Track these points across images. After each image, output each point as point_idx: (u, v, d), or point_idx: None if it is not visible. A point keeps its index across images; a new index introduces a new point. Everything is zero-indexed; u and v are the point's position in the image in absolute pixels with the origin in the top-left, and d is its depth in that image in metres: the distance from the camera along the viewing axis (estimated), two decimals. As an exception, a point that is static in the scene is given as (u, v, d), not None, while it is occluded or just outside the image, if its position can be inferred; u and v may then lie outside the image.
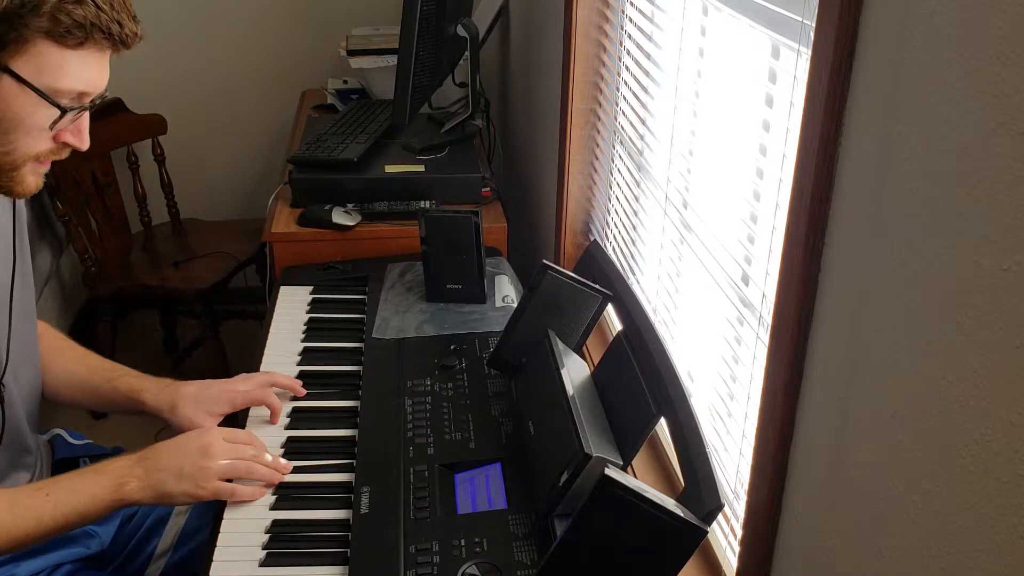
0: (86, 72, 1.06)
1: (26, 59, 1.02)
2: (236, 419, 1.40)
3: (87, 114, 1.11)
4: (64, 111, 1.06)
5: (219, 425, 1.35)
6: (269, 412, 1.40)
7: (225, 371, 2.63)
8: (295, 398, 1.44)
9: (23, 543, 1.16)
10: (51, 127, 1.07)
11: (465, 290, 1.66)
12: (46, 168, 1.13)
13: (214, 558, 1.15)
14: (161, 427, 1.38)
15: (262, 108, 3.14)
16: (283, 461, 1.28)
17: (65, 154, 1.13)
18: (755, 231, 1.10)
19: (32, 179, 1.12)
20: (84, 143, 1.12)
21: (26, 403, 1.31)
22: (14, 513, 1.14)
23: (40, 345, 1.39)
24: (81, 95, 1.08)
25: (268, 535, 1.18)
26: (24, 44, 1.02)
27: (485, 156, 2.40)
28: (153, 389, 1.38)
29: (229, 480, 1.22)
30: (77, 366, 1.43)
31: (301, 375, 1.50)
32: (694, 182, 1.33)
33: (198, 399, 1.36)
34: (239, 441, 1.26)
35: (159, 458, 1.21)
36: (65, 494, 1.17)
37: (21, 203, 1.26)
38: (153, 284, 2.71)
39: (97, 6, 1.03)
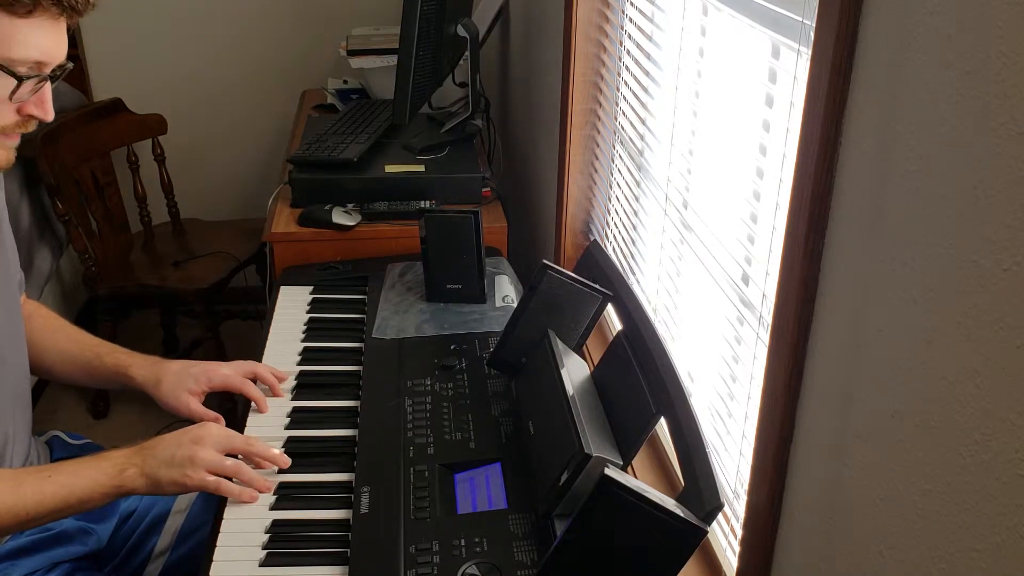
0: (40, 41, 1.07)
1: None
2: (235, 421, 1.40)
3: (48, 84, 1.12)
4: (21, 79, 1.07)
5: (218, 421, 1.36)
6: (261, 405, 1.41)
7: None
8: (295, 398, 1.44)
9: (24, 522, 1.18)
10: (11, 98, 1.08)
11: (465, 290, 1.66)
12: (15, 142, 1.14)
13: (214, 558, 1.15)
14: (162, 427, 1.38)
15: (262, 108, 3.14)
16: (276, 452, 1.29)
17: (32, 126, 1.14)
18: (755, 231, 1.10)
19: (2, 153, 1.13)
20: (48, 114, 1.13)
21: (7, 389, 1.29)
22: (17, 492, 1.16)
23: (34, 325, 1.42)
24: (39, 64, 1.08)
25: (268, 535, 1.18)
26: None
27: (485, 156, 2.40)
28: (141, 365, 1.42)
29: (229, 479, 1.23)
30: (69, 344, 1.46)
31: (301, 375, 1.50)
32: (694, 182, 1.33)
33: (180, 376, 1.40)
34: (233, 437, 1.27)
35: (156, 447, 1.22)
36: (68, 476, 1.19)
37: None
38: (153, 284, 2.71)
39: None
